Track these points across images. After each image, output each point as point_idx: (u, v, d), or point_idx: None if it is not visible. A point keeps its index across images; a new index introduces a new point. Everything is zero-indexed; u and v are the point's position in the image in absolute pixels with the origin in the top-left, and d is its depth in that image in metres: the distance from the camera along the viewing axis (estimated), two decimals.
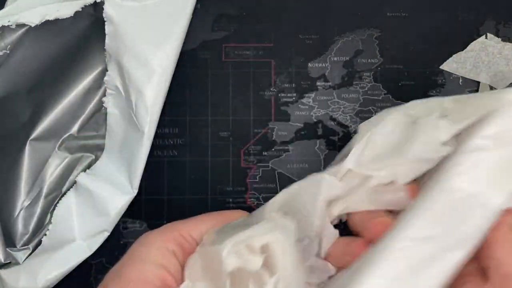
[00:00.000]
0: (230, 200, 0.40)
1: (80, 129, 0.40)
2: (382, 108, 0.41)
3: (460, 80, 0.41)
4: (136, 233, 0.40)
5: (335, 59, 0.42)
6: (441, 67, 0.41)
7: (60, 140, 0.40)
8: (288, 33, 0.42)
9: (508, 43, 0.41)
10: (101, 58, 0.39)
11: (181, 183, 0.40)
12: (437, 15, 0.42)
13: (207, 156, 0.41)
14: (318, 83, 0.41)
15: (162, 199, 0.40)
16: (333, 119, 0.41)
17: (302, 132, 0.41)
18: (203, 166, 0.40)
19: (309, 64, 0.41)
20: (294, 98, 0.41)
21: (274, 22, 0.42)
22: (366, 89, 0.41)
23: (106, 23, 0.36)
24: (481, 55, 0.41)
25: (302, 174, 0.40)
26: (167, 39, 0.36)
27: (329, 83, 0.41)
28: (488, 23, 0.42)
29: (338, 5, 0.42)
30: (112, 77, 0.37)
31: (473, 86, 0.41)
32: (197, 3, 0.42)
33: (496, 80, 0.41)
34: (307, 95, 0.41)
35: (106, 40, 0.36)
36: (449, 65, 0.41)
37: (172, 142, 0.41)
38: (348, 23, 0.42)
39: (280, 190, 0.40)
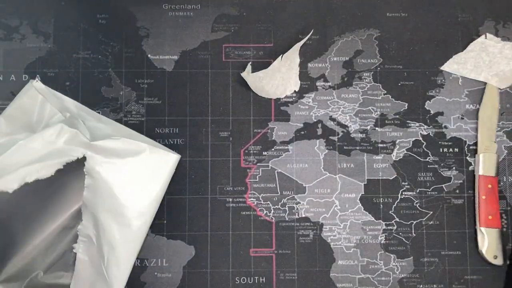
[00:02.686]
0: (230, 200, 0.40)
1: (48, 268, 0.38)
2: (382, 108, 0.41)
3: (460, 80, 0.41)
4: None
5: (335, 59, 0.42)
6: (441, 68, 0.41)
7: (28, 279, 0.38)
8: (288, 33, 0.42)
9: (508, 42, 0.41)
10: (79, 195, 0.37)
11: (181, 183, 0.40)
12: (437, 15, 0.42)
13: (207, 156, 0.41)
14: (318, 83, 0.41)
15: (162, 199, 0.40)
16: (333, 119, 0.41)
17: (302, 132, 0.41)
18: (203, 166, 0.40)
19: (309, 64, 0.41)
20: (294, 98, 0.41)
21: (274, 22, 0.42)
22: (366, 89, 0.41)
23: (86, 176, 0.35)
24: (482, 55, 0.41)
25: (302, 174, 0.40)
26: (146, 197, 0.35)
27: (329, 83, 0.41)
28: (488, 23, 0.42)
29: (338, 5, 0.42)
30: (86, 227, 0.36)
31: (472, 86, 0.41)
32: (197, 3, 0.42)
33: (499, 79, 0.41)
34: (307, 95, 0.41)
35: (84, 192, 0.35)
36: (450, 66, 0.41)
37: (172, 142, 0.41)
38: (348, 23, 0.42)
39: (280, 190, 0.40)
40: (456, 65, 0.41)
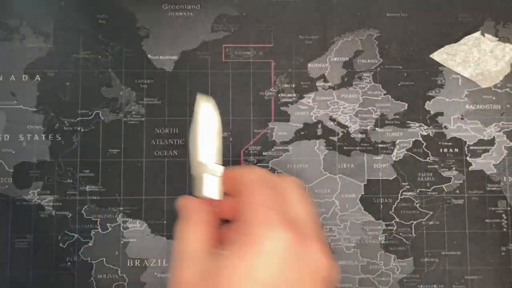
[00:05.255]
0: None
1: None
2: (382, 108, 0.41)
3: (460, 81, 0.41)
4: (136, 233, 0.40)
5: (335, 59, 0.42)
6: (431, 55, 0.41)
7: None
8: (288, 33, 0.42)
9: (501, 42, 0.41)
10: None
11: (181, 183, 0.40)
12: (437, 15, 0.42)
13: None
14: (317, 84, 0.41)
15: (162, 199, 0.40)
16: (333, 119, 0.41)
17: (302, 132, 0.41)
18: None
19: (309, 65, 0.41)
20: (294, 99, 0.41)
21: (274, 22, 0.42)
22: (366, 89, 0.41)
23: None
24: (473, 51, 0.41)
25: (302, 174, 0.40)
26: None
27: (328, 84, 0.41)
28: (488, 23, 0.42)
29: (338, 5, 0.42)
30: None
31: (472, 87, 0.41)
32: (197, 3, 0.42)
33: (483, 78, 0.41)
34: (307, 95, 0.41)
35: None
36: (439, 55, 0.41)
37: (172, 142, 0.41)
38: (348, 23, 0.42)
39: None
40: (446, 56, 0.41)
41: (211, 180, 0.31)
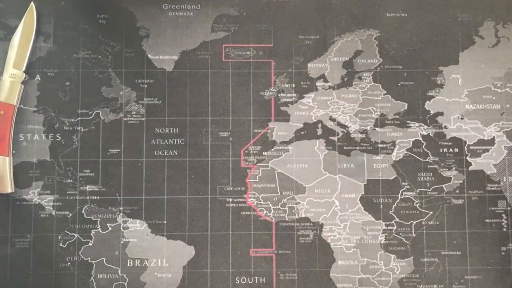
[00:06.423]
0: (230, 200, 0.40)
1: None
2: (381, 108, 0.41)
3: (460, 80, 0.41)
4: (136, 233, 0.40)
5: (335, 59, 0.42)
6: None
7: None
8: (288, 33, 0.42)
9: None
10: None
11: (181, 183, 0.40)
12: (437, 16, 0.42)
13: (207, 156, 0.41)
14: (317, 83, 0.41)
15: (162, 199, 0.40)
16: (333, 119, 0.41)
17: (302, 132, 0.41)
18: (203, 166, 0.40)
19: (309, 64, 0.42)
20: (294, 98, 0.41)
21: (274, 22, 0.42)
22: (366, 89, 0.41)
23: None
24: None
25: (302, 174, 0.40)
26: None
27: (328, 83, 0.41)
28: (487, 23, 0.42)
29: (338, 5, 0.42)
30: None
31: (472, 86, 0.41)
32: (197, 3, 0.42)
33: None
34: (306, 95, 0.41)
35: None
36: None
37: (172, 142, 0.41)
38: (348, 24, 0.42)
39: (280, 190, 0.40)
40: None
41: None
